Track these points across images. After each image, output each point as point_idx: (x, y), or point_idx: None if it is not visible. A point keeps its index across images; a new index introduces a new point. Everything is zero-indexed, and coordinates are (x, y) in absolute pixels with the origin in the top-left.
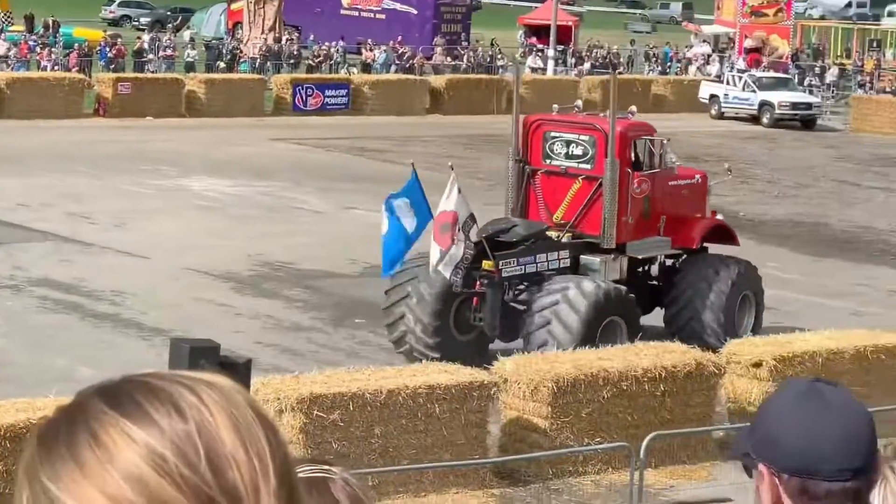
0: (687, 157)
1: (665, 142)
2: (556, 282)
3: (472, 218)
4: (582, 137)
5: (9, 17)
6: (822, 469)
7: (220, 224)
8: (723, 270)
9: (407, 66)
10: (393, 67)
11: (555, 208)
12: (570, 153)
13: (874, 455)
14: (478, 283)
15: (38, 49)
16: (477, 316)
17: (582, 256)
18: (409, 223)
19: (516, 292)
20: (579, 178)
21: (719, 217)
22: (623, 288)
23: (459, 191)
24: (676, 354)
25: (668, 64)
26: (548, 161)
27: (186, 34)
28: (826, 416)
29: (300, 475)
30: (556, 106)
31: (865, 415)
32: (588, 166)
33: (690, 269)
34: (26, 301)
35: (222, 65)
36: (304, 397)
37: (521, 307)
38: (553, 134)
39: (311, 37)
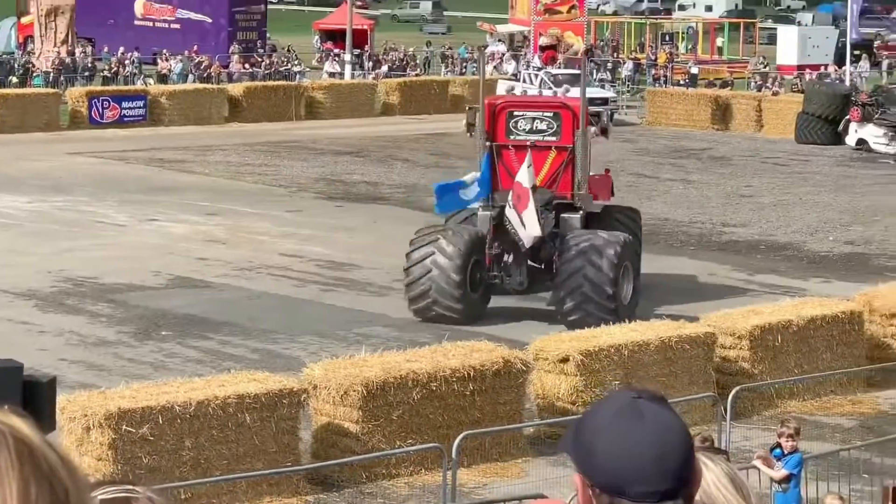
0: None
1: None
2: (578, 236)
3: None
4: (546, 114)
5: None
6: (630, 490)
7: (19, 241)
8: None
9: (204, 75)
10: (190, 77)
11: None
12: (533, 128)
13: (689, 477)
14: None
15: None
16: (495, 275)
17: (561, 215)
18: (472, 190)
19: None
20: (553, 148)
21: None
22: (628, 236)
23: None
24: (484, 353)
25: (465, 64)
26: (511, 137)
27: None
28: (641, 436)
29: (102, 497)
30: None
31: (683, 435)
32: (555, 138)
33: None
34: None
35: (15, 80)
36: (111, 413)
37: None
38: (516, 113)
39: (106, 48)
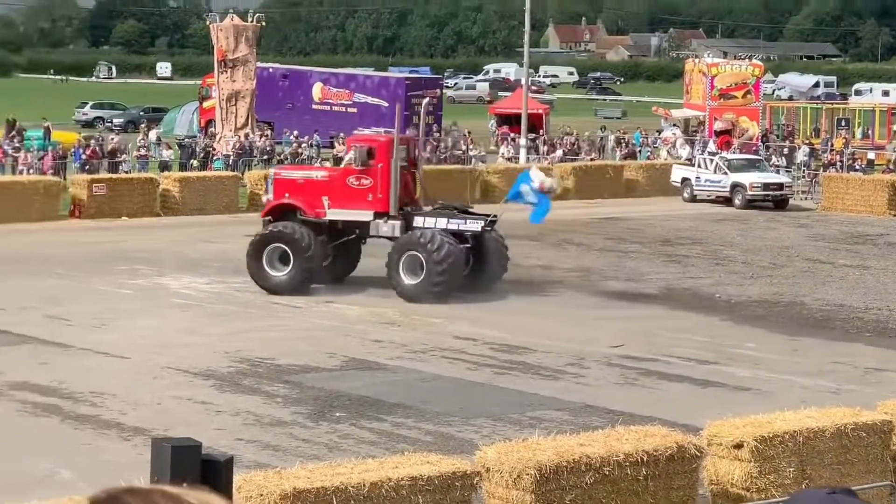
0: (661, 240)
1: None
2: None
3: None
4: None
5: None
6: None
7: (199, 321)
8: None
9: None
10: None
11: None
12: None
13: None
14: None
15: (9, 151)
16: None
17: None
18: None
19: None
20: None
21: None
22: None
23: None
24: (658, 438)
25: (639, 149)
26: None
27: (153, 134)
28: None
29: None
30: None
31: None
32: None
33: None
34: (6, 405)
35: (196, 163)
36: (287, 493)
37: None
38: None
39: (287, 132)
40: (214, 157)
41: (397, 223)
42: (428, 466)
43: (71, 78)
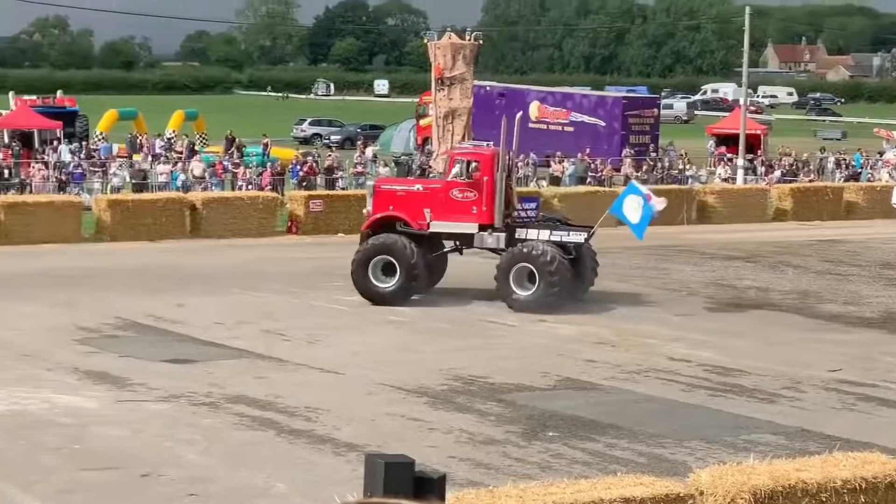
0: (882, 263)
1: None
2: None
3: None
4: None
5: (204, 138)
6: None
7: (412, 338)
8: None
9: (599, 178)
10: (588, 180)
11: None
12: None
13: None
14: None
15: (230, 167)
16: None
17: None
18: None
19: None
20: None
21: None
22: None
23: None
24: (876, 465)
25: (859, 170)
26: None
27: (370, 151)
28: None
29: None
30: None
31: None
32: None
33: None
34: (223, 418)
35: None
36: None
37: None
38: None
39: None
40: (430, 175)
41: (502, 235)
42: (641, 488)
43: (291, 95)
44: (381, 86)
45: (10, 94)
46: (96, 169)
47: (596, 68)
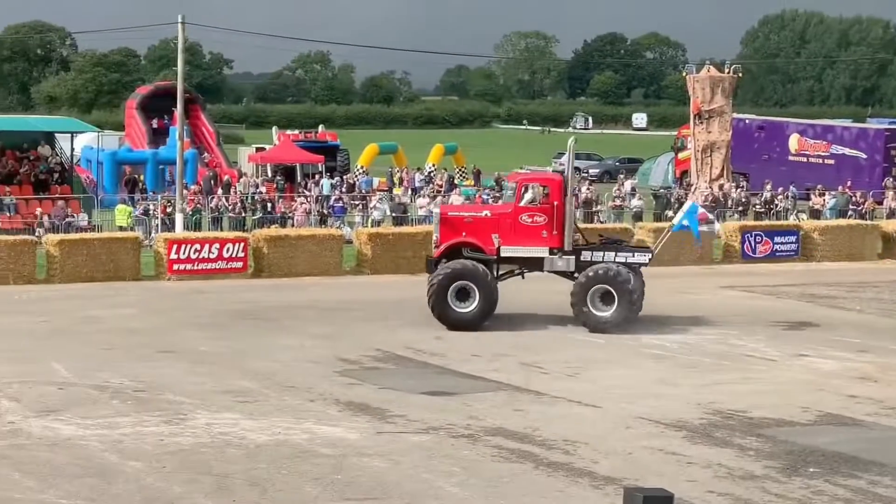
0: None
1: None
2: None
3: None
4: None
5: (463, 171)
6: None
7: (671, 373)
8: None
9: (861, 211)
10: (849, 213)
11: None
12: None
13: None
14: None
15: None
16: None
17: None
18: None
19: None
20: None
21: None
22: None
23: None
24: None
25: None
26: None
27: (628, 184)
28: None
29: None
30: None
31: None
32: None
33: None
34: (482, 450)
35: (670, 213)
36: None
37: None
38: None
39: (765, 183)
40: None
41: (571, 258)
42: None
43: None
44: (640, 119)
45: (274, 129)
46: (357, 202)
47: (857, 100)
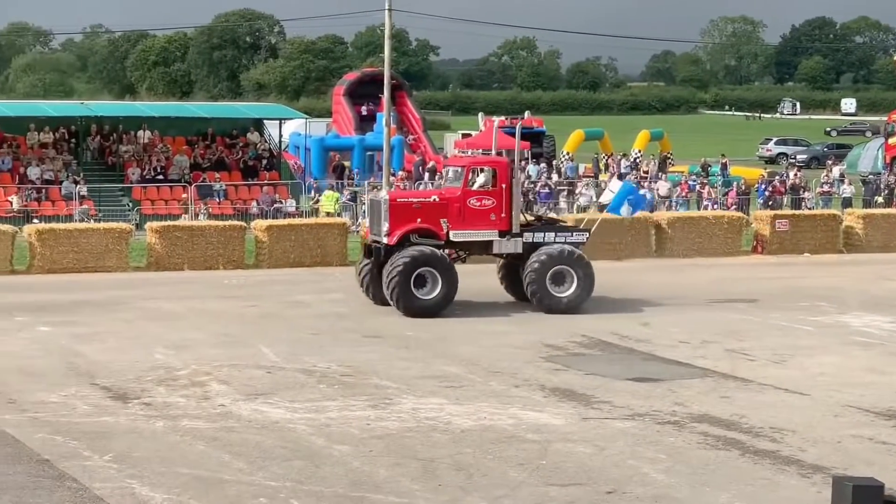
0: None
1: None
2: None
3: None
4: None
5: (670, 157)
6: None
7: (881, 360)
8: None
9: None
10: None
11: None
12: None
13: None
14: None
15: (696, 188)
16: None
17: None
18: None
19: None
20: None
21: None
22: None
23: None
24: None
25: None
26: None
27: (836, 170)
28: None
29: None
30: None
31: None
32: None
33: None
34: (688, 437)
35: (880, 199)
36: None
37: None
38: None
39: None
40: None
41: (519, 240)
42: None
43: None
44: (849, 104)
45: (480, 115)
46: (563, 188)
47: None
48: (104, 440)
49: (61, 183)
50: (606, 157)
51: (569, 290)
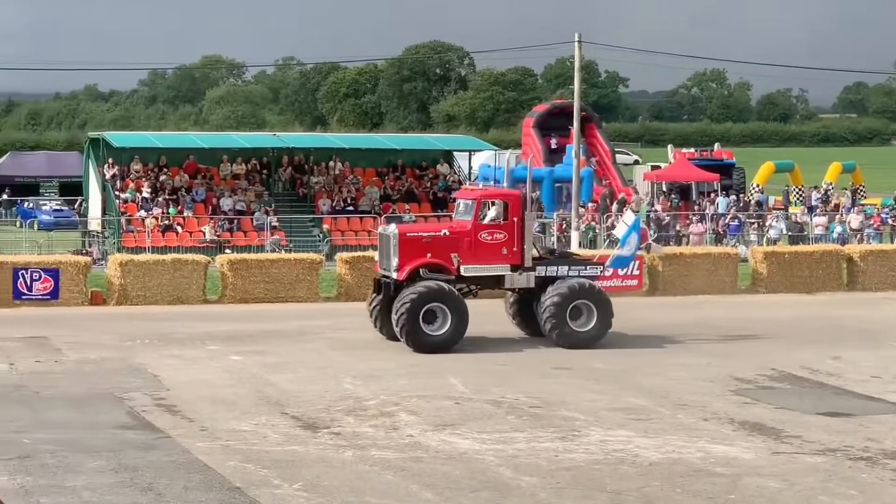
0: None
1: None
2: None
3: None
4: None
5: (862, 190)
6: None
7: None
8: None
9: None
10: None
11: None
12: None
13: None
14: None
15: (889, 222)
16: None
17: None
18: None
19: None
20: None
21: None
22: None
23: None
24: None
25: None
26: None
27: None
28: None
29: None
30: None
31: None
32: None
33: None
34: (880, 473)
35: None
36: None
37: None
38: None
39: None
40: None
41: (532, 274)
42: None
43: None
44: None
45: (669, 147)
46: (753, 221)
47: None
48: (294, 469)
49: (253, 213)
50: (797, 190)
51: (588, 325)
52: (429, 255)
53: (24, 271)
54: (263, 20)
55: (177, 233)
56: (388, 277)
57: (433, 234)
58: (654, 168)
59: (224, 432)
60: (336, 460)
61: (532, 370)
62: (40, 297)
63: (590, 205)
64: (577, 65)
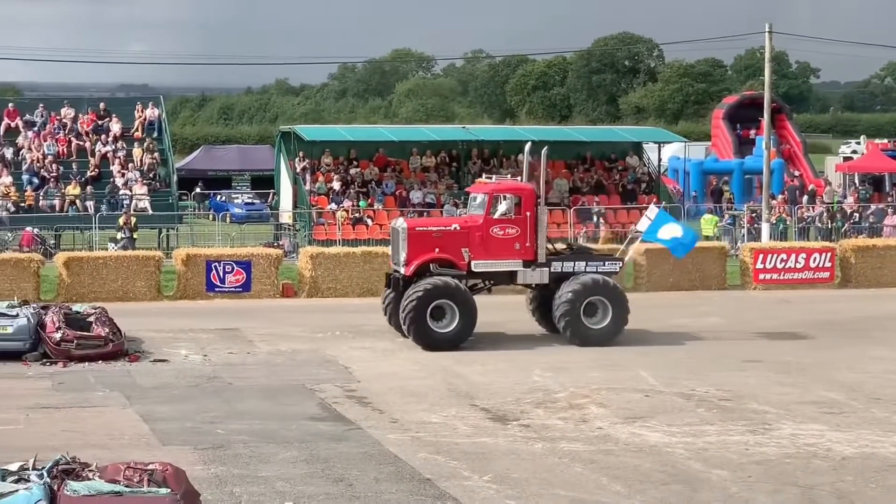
0: None
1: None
2: None
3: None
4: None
5: None
6: None
7: None
8: None
9: None
10: None
11: None
12: None
13: None
14: None
15: None
16: None
17: None
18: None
19: None
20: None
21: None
22: None
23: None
24: None
25: None
26: None
27: None
28: None
29: None
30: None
31: None
32: None
33: None
34: None
35: None
36: None
37: None
38: None
39: None
40: None
41: (545, 270)
42: None
43: None
44: None
45: (862, 137)
46: None
47: None
48: (483, 461)
49: (443, 206)
50: None
51: (603, 322)
52: (436, 249)
53: (216, 264)
54: (452, 13)
55: (367, 225)
56: (398, 272)
57: (443, 228)
58: (846, 159)
59: (414, 424)
60: (525, 452)
61: (722, 363)
62: (232, 289)
63: (779, 196)
64: (767, 56)
